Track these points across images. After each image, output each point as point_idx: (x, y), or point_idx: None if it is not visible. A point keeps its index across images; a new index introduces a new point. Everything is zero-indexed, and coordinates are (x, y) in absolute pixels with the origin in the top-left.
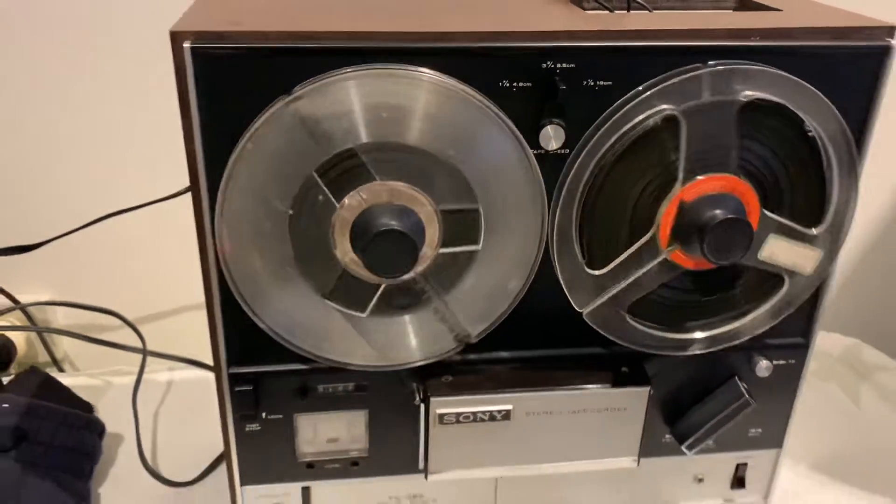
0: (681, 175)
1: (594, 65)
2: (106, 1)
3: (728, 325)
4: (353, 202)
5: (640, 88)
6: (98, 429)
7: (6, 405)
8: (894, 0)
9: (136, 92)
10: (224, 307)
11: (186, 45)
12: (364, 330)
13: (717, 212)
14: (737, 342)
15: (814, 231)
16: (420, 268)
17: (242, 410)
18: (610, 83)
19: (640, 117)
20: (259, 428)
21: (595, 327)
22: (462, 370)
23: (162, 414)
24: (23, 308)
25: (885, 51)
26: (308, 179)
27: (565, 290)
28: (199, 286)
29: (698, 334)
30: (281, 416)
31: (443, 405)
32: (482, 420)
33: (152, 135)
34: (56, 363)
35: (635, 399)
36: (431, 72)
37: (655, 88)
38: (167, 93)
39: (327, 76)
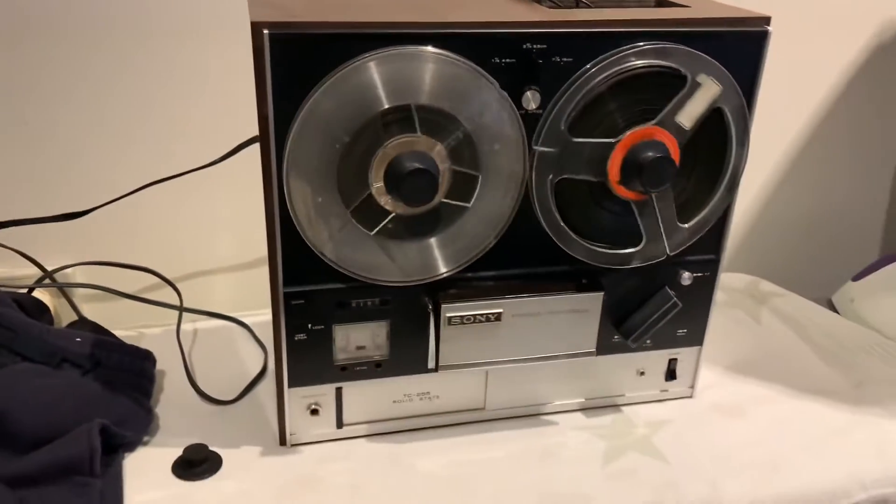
0: (620, 129)
1: (560, 46)
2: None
3: (661, 244)
4: (383, 156)
5: (588, 66)
6: (152, 359)
7: (79, 339)
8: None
9: (170, 70)
10: (282, 234)
11: (265, 31)
12: (391, 253)
13: (651, 152)
14: (686, 246)
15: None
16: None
17: (295, 321)
18: (571, 59)
19: (592, 84)
20: (305, 337)
21: (564, 249)
22: (463, 286)
23: (194, 356)
24: (50, 275)
25: (764, 34)
26: (368, 120)
27: (541, 220)
28: (215, 250)
29: (634, 250)
30: (322, 327)
31: (451, 310)
32: (479, 321)
33: (171, 114)
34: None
35: (593, 302)
36: (441, 50)
37: (602, 63)
38: (194, 72)
39: (354, 60)
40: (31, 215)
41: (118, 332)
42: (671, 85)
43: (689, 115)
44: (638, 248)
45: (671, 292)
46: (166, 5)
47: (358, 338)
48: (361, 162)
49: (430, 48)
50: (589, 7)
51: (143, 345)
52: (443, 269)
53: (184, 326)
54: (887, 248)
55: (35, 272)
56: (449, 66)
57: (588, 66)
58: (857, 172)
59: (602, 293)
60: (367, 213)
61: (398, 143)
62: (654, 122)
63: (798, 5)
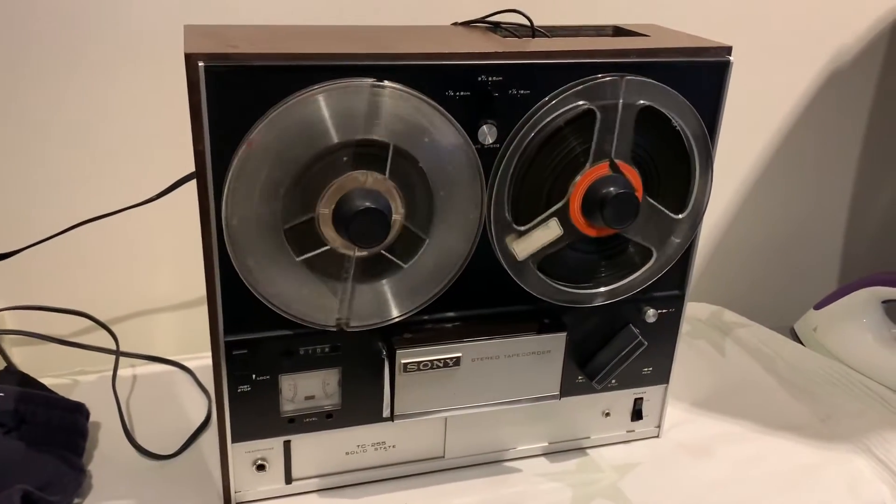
0: (591, 157)
1: (516, 78)
2: (90, 12)
3: (622, 281)
4: (330, 194)
5: (546, 99)
6: (85, 412)
7: (2, 394)
8: (731, 28)
9: (103, 103)
10: (222, 278)
11: (201, 63)
12: (335, 292)
13: (612, 188)
14: (629, 294)
15: (679, 216)
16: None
17: (238, 371)
18: (529, 92)
19: (551, 117)
20: (249, 389)
21: (525, 287)
22: (418, 329)
23: (132, 404)
24: (20, 308)
25: (726, 64)
26: (315, 156)
27: (500, 258)
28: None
29: (601, 289)
30: (268, 377)
31: (406, 356)
32: (437, 367)
33: (118, 144)
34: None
35: (556, 343)
36: (392, 83)
37: (557, 98)
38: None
39: (300, 92)
40: None
41: (50, 380)
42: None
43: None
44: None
45: (636, 330)
46: (100, 32)
47: (307, 387)
48: (307, 199)
49: (378, 81)
50: (546, 37)
51: (77, 393)
52: (395, 313)
53: (121, 372)
54: (845, 275)
55: None
56: (401, 99)
57: (546, 98)
58: (815, 198)
59: (565, 333)
60: (316, 254)
61: (347, 180)
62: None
63: (753, 34)
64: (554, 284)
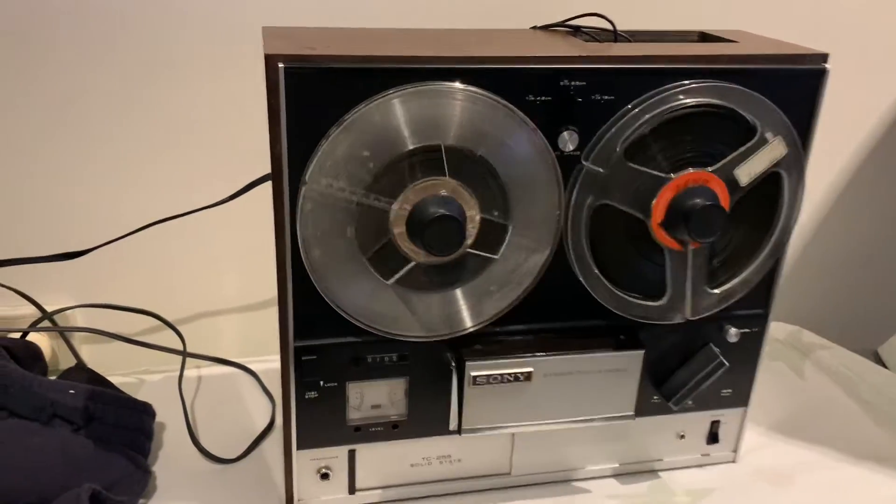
0: (670, 171)
1: (600, 83)
2: (157, 26)
3: (704, 298)
4: (407, 197)
5: (629, 106)
6: (152, 412)
7: (72, 391)
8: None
9: (177, 105)
10: (294, 283)
11: (281, 65)
12: (410, 305)
13: (698, 200)
14: (711, 313)
15: (766, 232)
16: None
17: (307, 378)
18: (612, 97)
19: (635, 125)
20: (316, 395)
21: (601, 301)
22: (489, 341)
23: (197, 406)
24: (50, 317)
25: (822, 72)
26: (390, 161)
27: (576, 270)
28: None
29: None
30: (335, 384)
31: (476, 368)
32: (508, 381)
33: (191, 145)
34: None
35: (632, 361)
36: (470, 86)
37: (646, 103)
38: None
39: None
40: (31, 253)
41: (117, 379)
42: (720, 127)
43: (748, 171)
44: (660, 303)
45: (716, 350)
46: (173, 36)
47: (373, 396)
48: (381, 222)
49: (458, 84)
50: (628, 41)
51: (143, 393)
52: (468, 324)
53: (187, 373)
54: None
55: (33, 312)
56: (480, 104)
57: (631, 105)
58: None
59: (642, 351)
60: (387, 260)
61: (423, 187)
62: (713, 168)
63: (844, 40)
64: (631, 299)
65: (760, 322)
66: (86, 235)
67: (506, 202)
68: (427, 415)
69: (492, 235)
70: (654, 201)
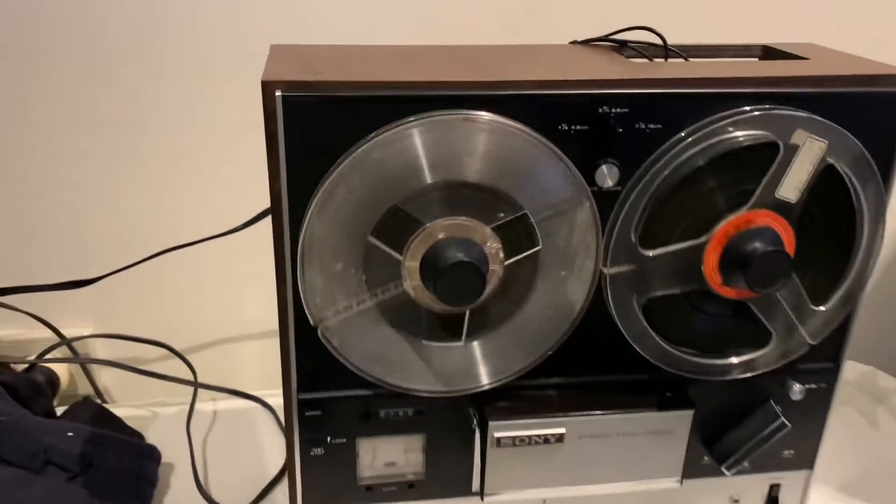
0: (724, 211)
1: (645, 109)
2: (170, 46)
3: (762, 350)
4: (419, 242)
5: (682, 135)
6: (157, 456)
7: (70, 434)
8: None
9: (188, 134)
10: (297, 334)
11: (278, 93)
12: (425, 356)
13: (758, 244)
14: (772, 367)
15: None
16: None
17: (310, 434)
18: (660, 126)
19: (685, 157)
20: (323, 452)
21: (644, 355)
22: (516, 396)
23: (209, 443)
24: (68, 343)
25: None
26: (389, 210)
27: (617, 321)
28: (241, 318)
29: (736, 360)
30: (344, 441)
31: (500, 428)
32: (536, 443)
33: (203, 173)
34: (99, 395)
35: (679, 421)
36: (496, 115)
37: (696, 135)
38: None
39: (393, 126)
40: (44, 278)
41: (131, 411)
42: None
43: (792, 185)
44: (766, 350)
45: (777, 408)
46: (195, 59)
47: (387, 453)
48: (394, 247)
49: (480, 114)
50: (682, 58)
51: (156, 427)
52: (491, 379)
53: (203, 406)
54: None
55: (49, 336)
56: (506, 135)
57: (683, 134)
58: None
59: (692, 411)
60: (398, 307)
61: (439, 227)
62: (748, 205)
63: None
64: (678, 352)
65: (830, 377)
66: (100, 262)
67: (535, 244)
68: (447, 474)
69: (519, 282)
70: (702, 267)
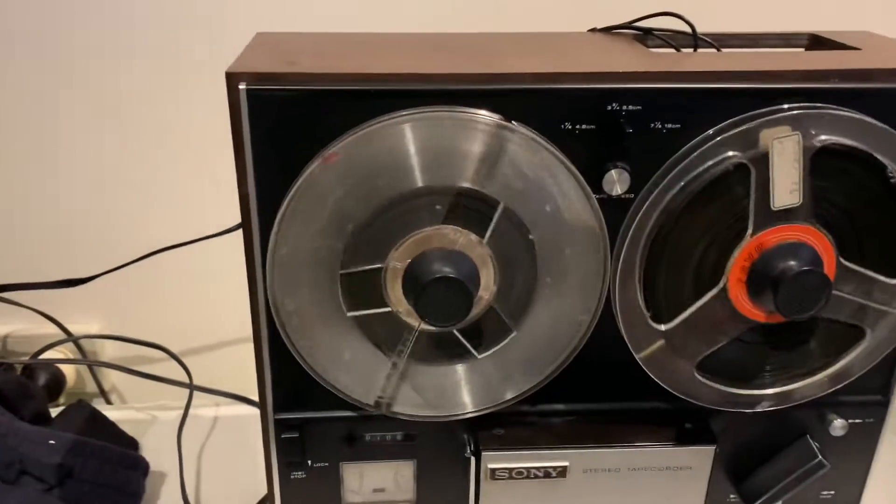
0: (751, 225)
1: (662, 107)
2: (160, 38)
3: (801, 381)
4: (403, 251)
5: (711, 133)
6: (142, 467)
7: (52, 441)
8: None
9: (186, 129)
10: (272, 350)
11: (242, 86)
12: (413, 378)
13: (792, 263)
14: (810, 399)
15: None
16: (476, 314)
17: (288, 458)
18: (678, 126)
19: (710, 163)
20: (304, 476)
21: (660, 382)
22: (515, 422)
23: (207, 450)
24: (75, 340)
25: None
26: (356, 228)
27: (628, 343)
28: (247, 321)
29: (769, 391)
30: (327, 464)
31: (495, 460)
32: (536, 477)
33: (203, 171)
34: (104, 395)
35: (700, 458)
36: (488, 113)
37: (726, 134)
38: (215, 130)
39: (383, 119)
40: (46, 275)
41: (130, 413)
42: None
43: (785, 191)
44: (805, 381)
45: (815, 445)
46: (191, 48)
47: (376, 478)
48: (373, 257)
49: (478, 112)
50: (713, 48)
51: (153, 432)
52: (485, 404)
53: (202, 411)
54: None
55: (54, 332)
56: (501, 136)
57: (711, 132)
58: None
59: (714, 447)
60: (379, 324)
61: (424, 237)
62: (749, 233)
63: None
64: (701, 381)
65: (878, 412)
66: (101, 261)
67: (533, 258)
68: (440, 497)
69: (515, 299)
70: (731, 264)
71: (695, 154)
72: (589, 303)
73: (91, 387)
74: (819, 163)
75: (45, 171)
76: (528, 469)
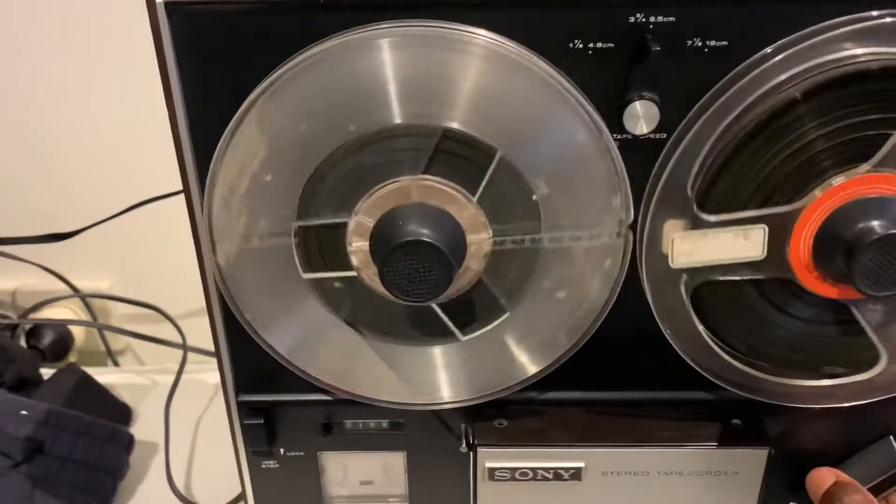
0: (820, 172)
1: (702, 18)
2: None
3: (876, 370)
4: (371, 204)
5: (769, 51)
6: (124, 441)
7: (24, 412)
8: None
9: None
10: (228, 325)
11: (160, 0)
12: (393, 360)
13: (875, 223)
14: (892, 395)
15: None
16: (461, 287)
17: (254, 446)
18: (725, 43)
19: (766, 88)
20: (277, 465)
21: (698, 369)
22: (521, 412)
23: (205, 420)
24: (82, 297)
25: None
26: (316, 173)
27: (658, 321)
28: None
29: (840, 381)
30: (302, 454)
31: (494, 457)
32: (545, 479)
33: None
34: (111, 356)
35: (750, 462)
36: (480, 30)
37: (789, 51)
38: None
39: (348, 33)
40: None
41: (130, 377)
42: None
43: None
44: (877, 371)
45: None
46: None
47: (362, 470)
48: (337, 209)
49: (480, 32)
50: None
51: (153, 397)
52: (444, 393)
53: (199, 376)
54: None
55: (61, 288)
56: (499, 63)
57: (769, 51)
58: None
59: (768, 450)
60: (341, 291)
61: (399, 189)
62: (871, 163)
63: None
64: (746, 366)
65: None
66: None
67: (535, 221)
68: (436, 496)
69: (514, 270)
70: (787, 248)
71: (746, 79)
72: (608, 274)
73: (101, 345)
74: None
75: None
76: (534, 470)
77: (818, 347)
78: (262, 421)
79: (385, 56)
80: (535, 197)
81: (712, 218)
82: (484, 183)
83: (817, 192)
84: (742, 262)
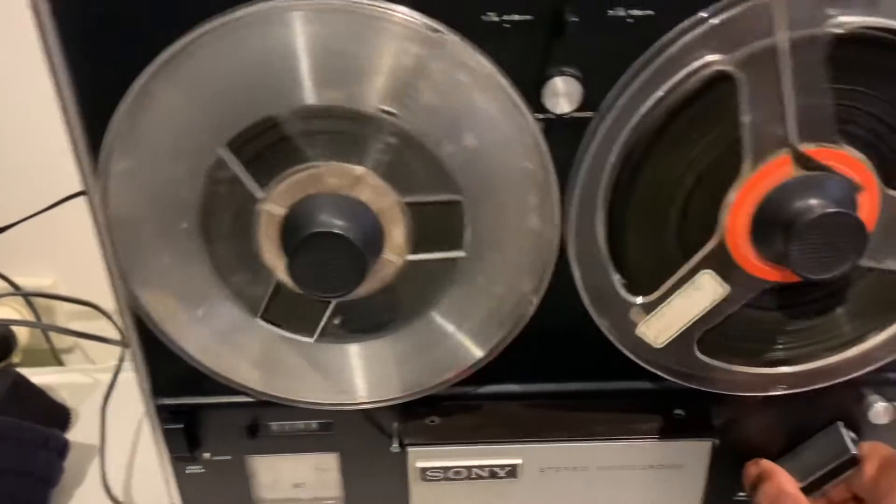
0: (750, 152)
1: None
2: None
3: (829, 358)
4: (282, 191)
5: (688, 23)
6: (58, 446)
7: None
8: None
9: None
10: (142, 324)
11: None
12: (314, 359)
13: (812, 202)
14: (841, 379)
15: None
16: (380, 280)
17: (176, 451)
18: (651, 13)
19: (694, 66)
20: (203, 471)
21: (640, 362)
22: (455, 409)
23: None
24: (24, 295)
25: None
26: (219, 159)
27: (595, 318)
28: None
29: (785, 369)
30: (229, 458)
31: (425, 456)
32: (479, 478)
33: None
34: (55, 355)
35: (694, 454)
36: (408, 11)
37: (711, 22)
38: None
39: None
40: None
41: (73, 377)
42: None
43: None
44: (830, 359)
45: (849, 435)
46: None
47: (293, 473)
48: (244, 198)
49: (402, 10)
50: None
51: (93, 399)
52: (361, 392)
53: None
54: None
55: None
56: (423, 44)
57: (692, 22)
58: None
59: (711, 442)
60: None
61: (311, 176)
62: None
63: None
64: (696, 356)
65: None
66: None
67: (457, 206)
68: (372, 497)
69: (433, 265)
70: (724, 229)
71: (670, 51)
72: (541, 260)
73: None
74: (843, 57)
75: None
76: (468, 468)
77: (764, 332)
78: (183, 426)
79: (297, 30)
80: (456, 181)
81: (653, 297)
82: (397, 171)
83: (746, 179)
84: (718, 303)
